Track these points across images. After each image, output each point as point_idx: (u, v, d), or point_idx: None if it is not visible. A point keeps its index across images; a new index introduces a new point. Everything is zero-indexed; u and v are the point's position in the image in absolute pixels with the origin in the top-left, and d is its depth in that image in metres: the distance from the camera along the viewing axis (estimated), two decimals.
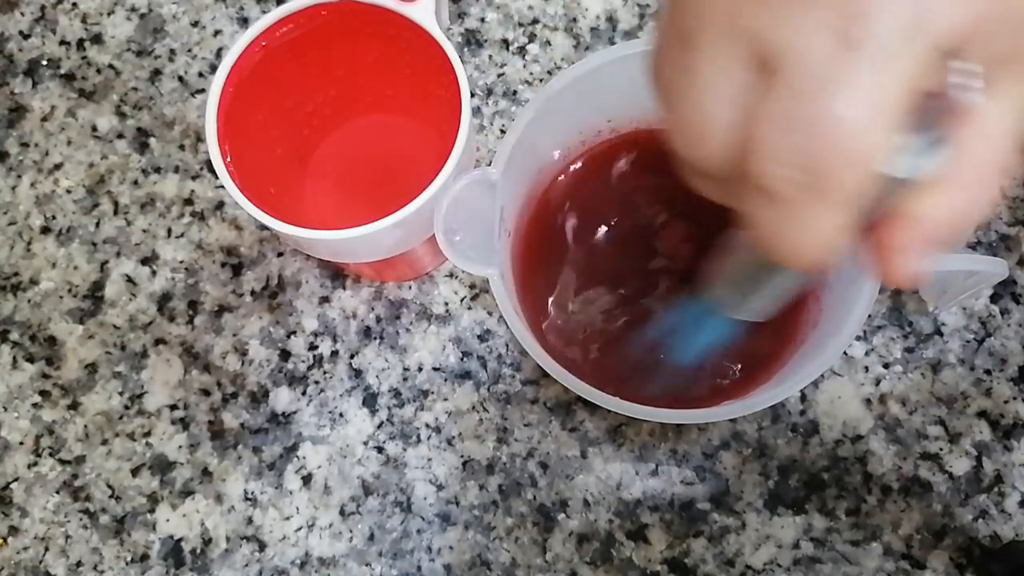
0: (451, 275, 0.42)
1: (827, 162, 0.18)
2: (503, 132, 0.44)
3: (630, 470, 0.39)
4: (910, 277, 0.21)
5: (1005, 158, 0.20)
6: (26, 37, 0.46)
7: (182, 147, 0.44)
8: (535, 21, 0.45)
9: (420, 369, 0.41)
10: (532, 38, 0.45)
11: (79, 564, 0.39)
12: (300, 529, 0.39)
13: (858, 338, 0.41)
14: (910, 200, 0.20)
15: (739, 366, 0.37)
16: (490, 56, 0.45)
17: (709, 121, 0.20)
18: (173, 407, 0.41)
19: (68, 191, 0.44)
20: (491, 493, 0.40)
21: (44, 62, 0.46)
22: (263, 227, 0.38)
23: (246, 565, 0.39)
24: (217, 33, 0.46)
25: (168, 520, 0.40)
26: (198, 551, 0.39)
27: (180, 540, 0.40)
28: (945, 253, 0.22)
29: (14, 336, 0.42)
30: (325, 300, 0.42)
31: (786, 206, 0.19)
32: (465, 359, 0.41)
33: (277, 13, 0.34)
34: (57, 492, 0.40)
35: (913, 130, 0.19)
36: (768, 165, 0.19)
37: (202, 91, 0.45)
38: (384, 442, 0.40)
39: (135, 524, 0.40)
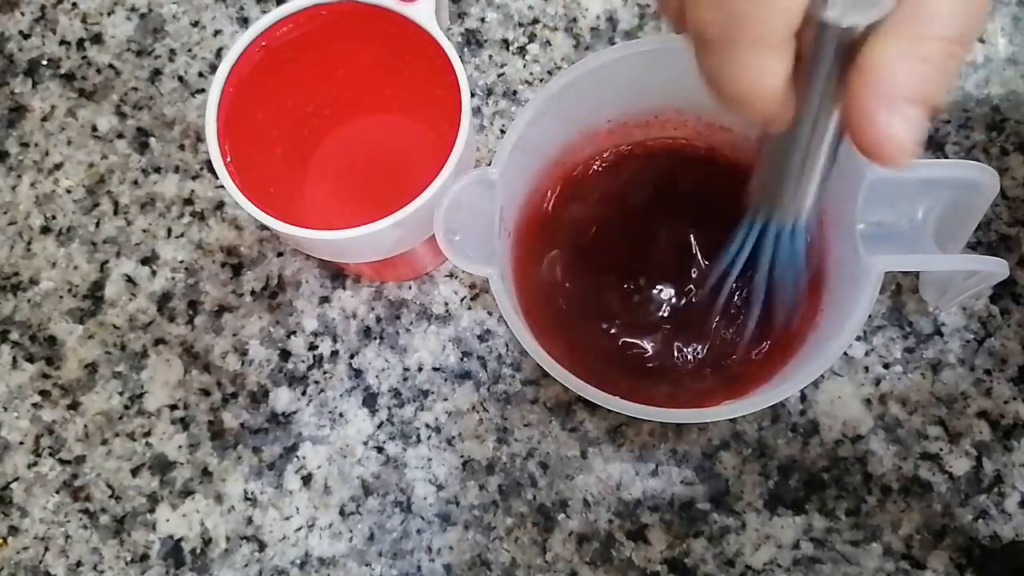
0: (451, 275, 0.42)
1: (744, 3, 0.20)
2: (503, 132, 0.44)
3: (630, 470, 0.39)
4: (895, 143, 0.21)
5: (947, 22, 0.20)
6: (26, 37, 0.46)
7: (182, 147, 0.44)
8: (535, 21, 0.45)
9: (420, 369, 0.41)
10: (532, 38, 0.45)
11: (79, 564, 0.39)
12: (300, 529, 0.39)
13: (858, 338, 0.41)
14: (862, 52, 0.20)
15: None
16: (490, 56, 0.45)
17: None
18: (173, 407, 0.41)
19: (68, 191, 0.44)
20: (491, 493, 0.40)
21: (44, 62, 0.46)
22: (263, 227, 0.38)
23: (246, 565, 0.39)
24: (217, 33, 0.46)
25: (168, 520, 0.40)
26: (198, 551, 0.39)
27: (180, 540, 0.40)
28: (922, 120, 0.21)
29: (14, 336, 0.42)
30: (325, 300, 0.42)
31: (715, 49, 0.21)
32: (465, 359, 0.41)
33: (277, 13, 0.34)
34: (57, 492, 0.40)
35: None
36: (695, 11, 0.21)
37: (202, 91, 0.45)
38: (384, 442, 0.40)
39: (135, 524, 0.40)
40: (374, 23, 0.35)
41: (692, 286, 0.38)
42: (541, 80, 0.44)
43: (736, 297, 0.37)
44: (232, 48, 0.34)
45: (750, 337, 0.36)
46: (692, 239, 0.39)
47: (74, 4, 0.47)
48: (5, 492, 0.40)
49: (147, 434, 0.41)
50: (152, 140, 0.44)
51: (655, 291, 0.39)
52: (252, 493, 0.40)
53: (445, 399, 0.41)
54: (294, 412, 0.41)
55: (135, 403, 0.41)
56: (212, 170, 0.40)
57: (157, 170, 0.44)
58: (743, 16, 0.20)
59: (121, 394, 0.41)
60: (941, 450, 0.39)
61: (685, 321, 0.38)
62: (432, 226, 0.32)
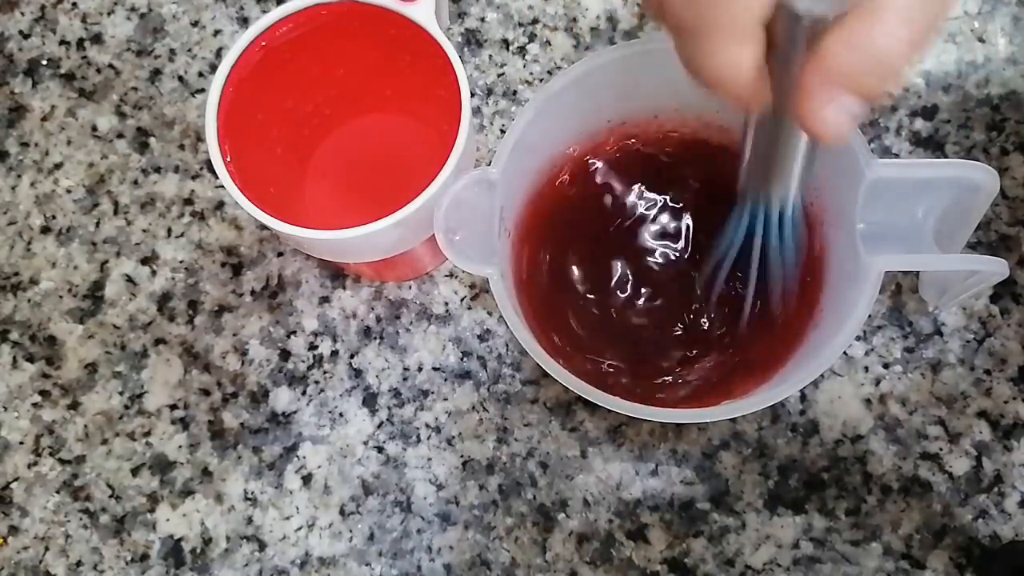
0: (451, 275, 0.42)
1: None
2: (503, 132, 0.44)
3: (630, 470, 0.39)
4: (829, 126, 0.22)
5: (900, 27, 0.21)
6: (26, 37, 0.46)
7: (182, 147, 0.44)
8: (535, 21, 0.45)
9: (420, 369, 0.41)
10: (532, 38, 0.45)
11: (79, 564, 0.40)
12: (300, 529, 0.39)
13: (858, 338, 0.41)
14: (819, 41, 0.22)
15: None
16: (490, 56, 0.45)
17: None
18: (173, 407, 0.41)
19: (68, 191, 0.44)
20: (491, 493, 0.40)
21: (44, 62, 0.46)
22: (263, 227, 0.38)
23: (246, 565, 0.39)
24: (217, 33, 0.46)
25: (168, 520, 0.40)
26: (198, 551, 0.39)
27: (180, 540, 0.40)
28: (858, 109, 0.22)
29: (14, 336, 0.42)
30: (325, 300, 0.42)
31: (690, 38, 0.22)
32: (465, 359, 0.41)
33: (277, 13, 0.34)
34: (57, 492, 0.40)
35: None
36: (671, 5, 0.22)
37: (202, 91, 0.45)
38: (384, 442, 0.40)
39: (135, 524, 0.40)
40: (374, 23, 0.35)
41: (692, 285, 0.38)
42: (541, 80, 0.44)
43: (733, 291, 0.37)
44: (232, 48, 0.34)
45: (748, 328, 0.37)
46: (693, 238, 0.39)
47: (74, 4, 0.47)
48: (5, 492, 0.40)
49: (147, 434, 0.41)
50: (152, 140, 0.44)
51: (655, 290, 0.39)
52: (252, 493, 0.40)
53: (445, 399, 0.41)
54: (294, 412, 0.41)
55: (135, 403, 0.41)
56: (212, 170, 0.40)
57: (157, 170, 0.44)
58: (713, 8, 0.21)
59: (121, 394, 0.41)
60: (941, 450, 0.39)
61: (685, 320, 0.38)
62: (432, 226, 0.32)
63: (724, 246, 0.33)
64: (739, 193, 0.31)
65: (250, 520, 0.40)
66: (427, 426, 0.40)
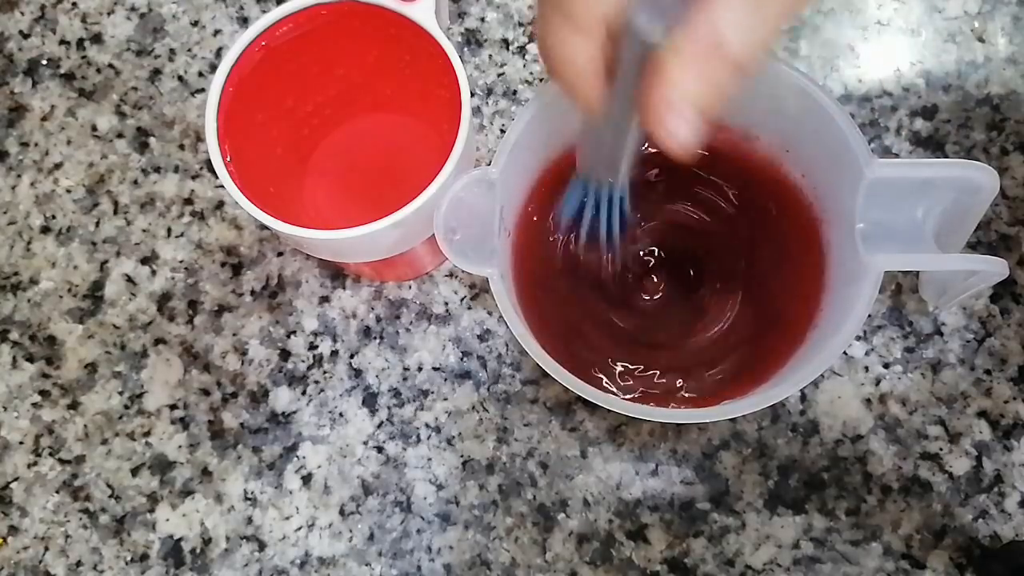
0: (451, 275, 0.42)
1: None
2: (503, 132, 0.44)
3: (630, 470, 0.39)
4: (668, 139, 0.24)
5: (733, 47, 0.23)
6: (26, 37, 0.46)
7: (182, 147, 0.44)
8: (535, 20, 0.45)
9: (420, 369, 0.41)
10: (532, 38, 0.45)
11: (79, 564, 0.40)
12: (300, 529, 0.39)
13: (858, 338, 0.41)
14: (658, 64, 0.23)
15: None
16: (490, 56, 0.45)
17: None
18: (173, 407, 0.41)
19: (68, 191, 0.44)
20: (491, 493, 0.40)
21: (44, 62, 0.46)
22: (263, 227, 0.38)
23: (246, 565, 0.39)
24: (217, 33, 0.46)
25: (168, 520, 0.40)
26: (198, 551, 0.39)
27: (180, 540, 0.40)
28: (700, 123, 0.24)
29: (14, 336, 0.42)
30: (325, 300, 0.42)
31: (543, 19, 0.24)
32: (465, 359, 0.41)
33: (277, 13, 0.34)
34: (57, 492, 0.40)
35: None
36: None
37: (202, 91, 0.45)
38: (384, 442, 0.40)
39: (135, 524, 0.40)
40: (374, 23, 0.35)
41: (692, 285, 0.38)
42: (541, 80, 0.44)
43: (731, 291, 0.37)
44: (232, 48, 0.34)
45: (747, 329, 0.37)
46: (690, 238, 0.39)
47: (74, 4, 0.47)
48: (5, 492, 0.40)
49: (147, 434, 0.41)
50: (152, 140, 0.44)
51: (655, 289, 0.39)
52: (252, 493, 0.40)
53: (445, 399, 0.41)
54: (294, 412, 0.41)
55: (135, 403, 0.41)
56: (212, 170, 0.40)
57: (157, 170, 0.44)
58: None
59: (121, 394, 0.41)
60: (941, 450, 0.39)
61: (685, 320, 0.38)
62: (432, 226, 0.32)
63: (565, 217, 0.34)
64: (577, 172, 0.32)
65: (250, 520, 0.40)
66: (427, 426, 0.40)
